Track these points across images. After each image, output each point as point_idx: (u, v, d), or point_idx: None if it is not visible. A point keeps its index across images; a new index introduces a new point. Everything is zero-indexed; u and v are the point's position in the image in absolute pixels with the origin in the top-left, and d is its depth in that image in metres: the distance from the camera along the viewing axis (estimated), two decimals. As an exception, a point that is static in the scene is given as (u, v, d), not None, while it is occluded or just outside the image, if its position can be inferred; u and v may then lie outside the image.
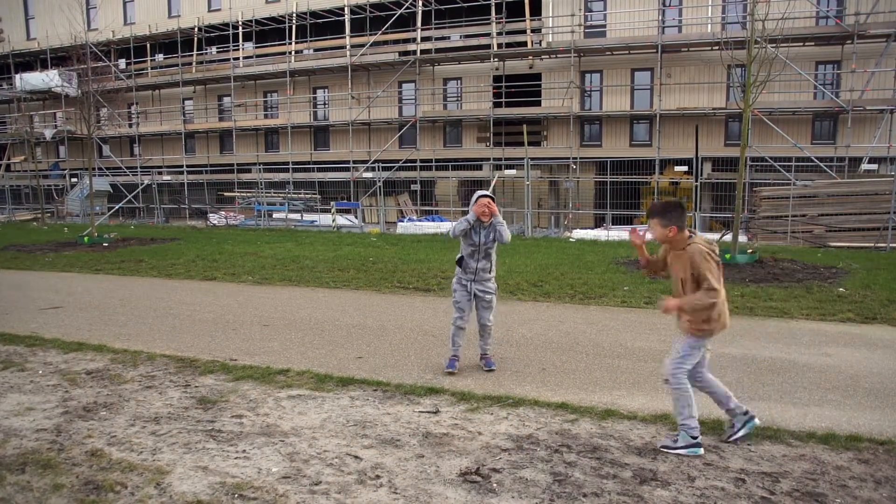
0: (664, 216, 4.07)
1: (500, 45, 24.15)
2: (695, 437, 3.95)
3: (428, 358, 6.09)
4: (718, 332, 4.05)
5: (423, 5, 25.00)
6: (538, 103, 23.90)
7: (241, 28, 27.95)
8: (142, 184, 28.30)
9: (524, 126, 21.33)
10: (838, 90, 20.63)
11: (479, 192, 5.59)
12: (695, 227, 17.46)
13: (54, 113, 32.12)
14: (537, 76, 24.26)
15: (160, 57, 31.14)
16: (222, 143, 30.24)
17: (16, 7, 34.33)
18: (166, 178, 28.96)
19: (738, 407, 4.16)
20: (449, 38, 25.80)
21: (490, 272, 5.64)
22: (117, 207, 27.85)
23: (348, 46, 26.19)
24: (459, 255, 5.65)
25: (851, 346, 6.46)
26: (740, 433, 4.10)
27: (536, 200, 22.49)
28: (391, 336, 6.98)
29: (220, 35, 29.01)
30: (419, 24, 25.16)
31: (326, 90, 27.92)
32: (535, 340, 6.72)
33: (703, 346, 4.07)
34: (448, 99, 26.43)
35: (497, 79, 24.27)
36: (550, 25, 23.72)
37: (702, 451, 3.93)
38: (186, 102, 30.50)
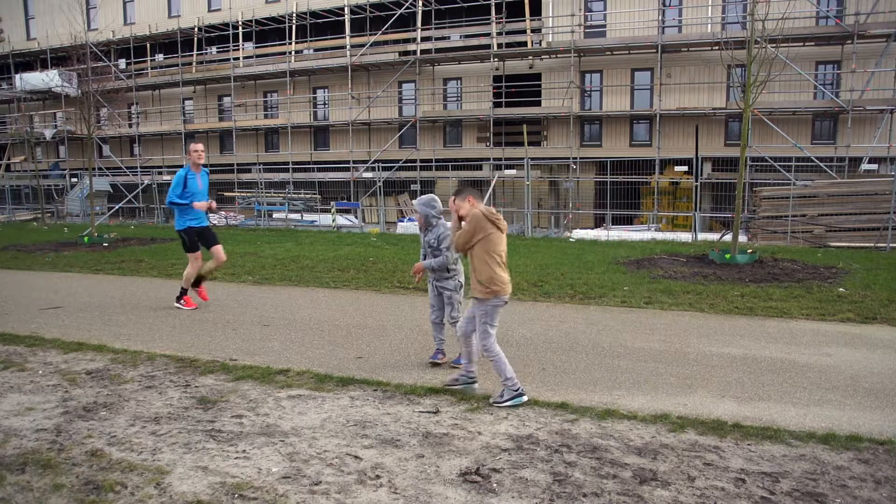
0: (459, 194, 5.01)
1: (500, 45, 24.16)
2: (516, 389, 4.72)
3: (428, 358, 6.08)
4: (506, 295, 4.83)
5: (423, 5, 25.00)
6: (538, 103, 23.90)
7: (241, 28, 27.96)
8: (142, 184, 28.30)
9: (524, 126, 21.34)
10: (838, 90, 20.64)
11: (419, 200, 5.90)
12: (695, 227, 17.50)
13: (54, 113, 32.14)
14: (537, 76, 24.26)
15: (160, 57, 31.15)
16: (222, 143, 30.24)
17: (16, 7, 34.35)
18: (166, 178, 28.95)
19: (470, 373, 5.10)
20: (449, 38, 25.81)
21: (448, 272, 5.84)
22: (117, 207, 27.85)
23: (348, 46, 26.20)
24: (423, 253, 6.00)
25: (851, 346, 6.46)
26: (506, 402, 4.75)
27: (536, 200, 22.49)
28: (391, 336, 6.98)
29: (220, 35, 29.02)
30: (419, 24, 25.17)
31: (326, 90, 27.93)
32: (535, 340, 6.72)
33: (496, 309, 4.82)
34: (448, 99, 26.43)
35: (497, 79, 24.27)
36: (550, 25, 23.73)
37: (525, 398, 4.75)
38: (186, 102, 30.52)
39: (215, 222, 24.48)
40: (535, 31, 24.18)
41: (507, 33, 24.46)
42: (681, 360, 5.98)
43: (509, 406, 4.68)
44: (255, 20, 27.69)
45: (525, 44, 23.87)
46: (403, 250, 14.56)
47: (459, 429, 4.34)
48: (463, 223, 4.94)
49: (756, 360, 5.94)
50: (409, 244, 15.93)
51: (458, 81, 25.99)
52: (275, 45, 28.05)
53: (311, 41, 27.51)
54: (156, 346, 6.57)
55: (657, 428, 4.34)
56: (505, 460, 3.85)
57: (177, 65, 29.50)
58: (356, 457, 3.92)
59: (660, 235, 17.48)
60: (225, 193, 27.37)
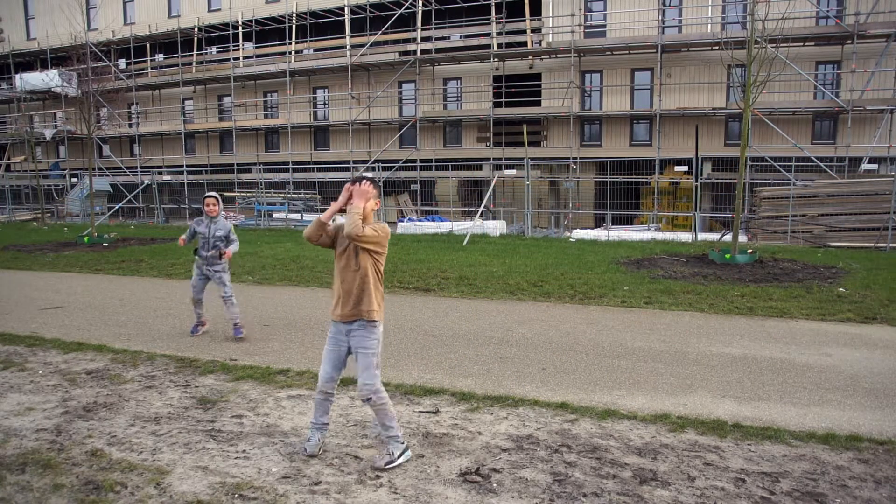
0: (376, 185, 3.92)
1: (500, 45, 24.15)
2: (403, 443, 3.86)
3: (428, 358, 6.08)
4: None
5: (423, 5, 25.00)
6: (538, 103, 23.90)
7: (241, 28, 27.95)
8: (142, 184, 28.30)
9: (524, 126, 21.33)
10: (838, 90, 20.63)
11: (209, 194, 7.32)
12: (695, 227, 17.50)
13: (54, 113, 32.12)
14: (537, 76, 24.26)
15: (160, 57, 31.14)
16: (222, 143, 30.24)
17: (16, 7, 34.33)
18: (166, 178, 28.96)
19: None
20: (449, 38, 25.80)
21: (221, 259, 7.18)
22: (117, 207, 27.84)
23: (348, 46, 26.19)
24: (195, 248, 7.28)
25: (851, 346, 6.46)
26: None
27: (536, 200, 22.48)
28: (391, 336, 6.98)
29: (220, 35, 29.01)
30: (419, 24, 25.16)
31: (326, 90, 27.92)
32: (535, 340, 6.72)
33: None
34: (448, 99, 26.42)
35: (497, 79, 24.27)
36: (550, 25, 23.72)
37: (410, 452, 3.89)
38: (186, 102, 30.51)
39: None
40: (535, 31, 24.17)
41: (507, 33, 24.45)
42: (681, 360, 5.98)
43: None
44: (255, 20, 27.69)
45: (525, 44, 23.87)
46: (403, 250, 14.56)
47: (459, 429, 4.34)
48: (350, 207, 3.74)
49: (756, 360, 5.94)
50: (409, 244, 15.93)
51: (458, 81, 25.98)
52: (275, 45, 28.04)
53: (311, 41, 27.51)
54: (156, 346, 6.57)
55: (657, 428, 4.34)
56: (505, 460, 3.84)
57: (177, 65, 29.49)
58: (356, 457, 3.92)
59: (660, 235, 17.48)
60: (225, 193, 27.34)
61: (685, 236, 17.12)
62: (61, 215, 28.35)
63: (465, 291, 9.56)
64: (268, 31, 28.20)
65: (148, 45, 30.62)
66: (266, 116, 29.11)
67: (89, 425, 4.43)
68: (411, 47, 25.50)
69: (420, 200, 25.00)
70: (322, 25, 27.68)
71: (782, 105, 20.23)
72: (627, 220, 20.90)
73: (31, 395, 5.10)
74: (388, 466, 3.75)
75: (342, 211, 3.81)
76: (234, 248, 7.27)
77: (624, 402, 4.86)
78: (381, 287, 3.93)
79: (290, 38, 27.23)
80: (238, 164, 28.21)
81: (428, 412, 4.65)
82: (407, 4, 24.74)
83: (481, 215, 19.26)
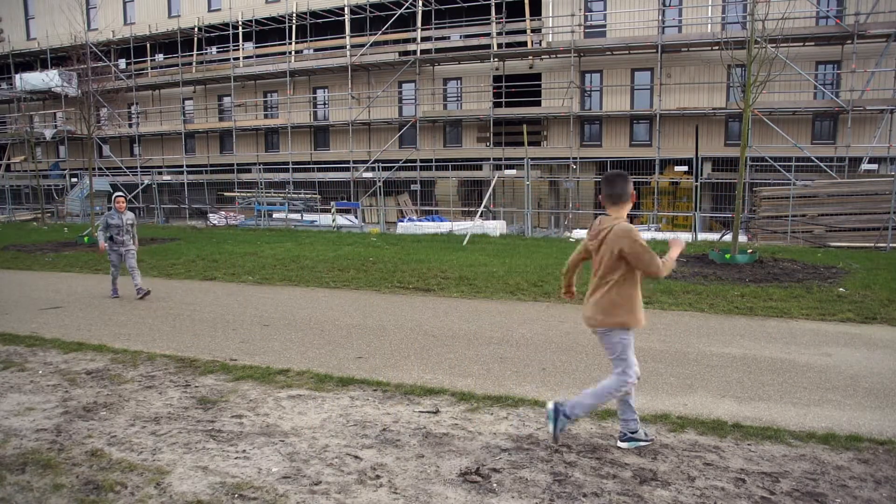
0: (604, 184, 4.01)
1: (500, 45, 24.16)
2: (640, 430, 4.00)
3: (428, 358, 6.09)
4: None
5: (423, 5, 25.00)
6: (538, 103, 23.90)
7: (241, 28, 27.96)
8: (142, 184, 28.30)
9: (524, 126, 21.33)
10: (838, 90, 20.64)
11: (117, 193, 10.01)
12: (695, 227, 17.50)
13: (54, 113, 32.13)
14: (537, 76, 24.26)
15: (160, 57, 31.14)
16: (222, 143, 30.24)
17: (16, 7, 34.33)
18: (166, 178, 28.97)
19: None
20: (449, 38, 25.80)
21: (132, 241, 9.72)
22: (117, 207, 27.79)
23: (348, 46, 26.19)
24: (109, 235, 9.55)
25: (851, 346, 6.46)
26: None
27: (536, 200, 22.49)
28: (391, 336, 6.98)
29: (220, 35, 29.01)
30: (419, 24, 25.16)
31: (326, 90, 27.93)
32: (535, 340, 6.72)
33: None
34: (448, 99, 26.43)
35: (497, 79, 24.27)
36: (550, 25, 23.72)
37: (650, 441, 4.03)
38: (186, 102, 30.51)
39: (216, 223, 24.49)
40: (535, 31, 24.18)
41: (507, 33, 24.46)
42: (681, 360, 5.98)
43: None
44: (255, 20, 27.69)
45: (525, 44, 23.87)
46: (403, 250, 14.55)
47: (459, 429, 4.34)
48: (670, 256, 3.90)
49: (756, 360, 5.94)
50: (409, 244, 15.93)
51: (458, 81, 25.99)
52: (275, 45, 28.05)
53: (311, 41, 27.51)
54: (156, 346, 6.57)
55: (657, 428, 4.34)
56: (505, 460, 3.84)
57: (177, 65, 29.49)
58: (356, 457, 3.92)
59: (660, 235, 17.48)
60: (225, 193, 27.37)
61: (685, 236, 17.12)
62: (61, 215, 28.35)
63: (465, 291, 9.56)
64: (268, 31, 28.20)
65: (148, 45, 30.63)
66: (266, 116, 29.12)
67: (89, 425, 4.43)
68: (411, 47, 25.51)
69: (420, 200, 25.00)
70: (322, 25, 27.68)
71: (782, 105, 20.23)
72: (627, 220, 20.88)
73: (31, 395, 5.10)
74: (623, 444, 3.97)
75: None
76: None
77: (624, 402, 4.86)
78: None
79: (290, 38, 27.23)
80: (238, 164, 28.22)
81: (428, 412, 4.65)
82: (407, 4, 24.74)
83: (481, 215, 19.26)
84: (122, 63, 30.83)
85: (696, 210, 18.14)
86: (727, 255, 11.78)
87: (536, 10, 24.11)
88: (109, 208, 9.93)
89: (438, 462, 3.83)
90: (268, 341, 6.80)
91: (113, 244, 9.56)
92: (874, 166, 19.71)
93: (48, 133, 31.25)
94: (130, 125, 31.02)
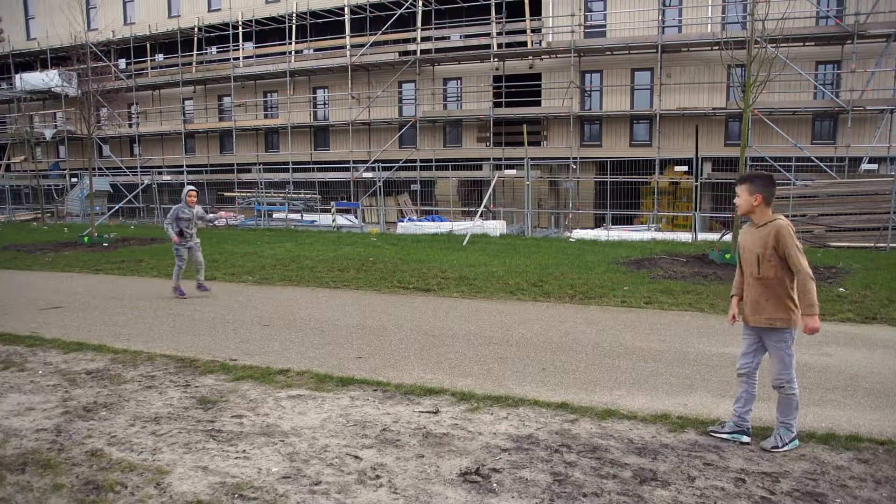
0: (753, 182, 4.06)
1: (500, 45, 24.16)
2: (794, 432, 4.03)
3: (428, 358, 6.09)
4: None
5: (423, 5, 25.00)
6: (538, 103, 23.90)
7: (241, 28, 27.96)
8: (142, 184, 28.30)
9: (524, 126, 21.33)
10: (838, 90, 20.64)
11: (189, 187, 9.70)
12: (695, 227, 17.50)
13: (54, 113, 32.13)
14: (537, 76, 24.26)
15: (160, 57, 31.15)
16: (222, 143, 30.24)
17: (16, 7, 34.34)
18: (166, 178, 28.97)
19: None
20: (449, 38, 25.81)
21: (197, 235, 9.73)
22: (117, 207, 27.85)
23: (348, 46, 26.19)
24: (179, 229, 9.43)
25: (851, 346, 6.46)
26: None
27: (536, 200, 22.49)
28: (391, 336, 6.98)
29: (220, 35, 29.02)
30: (419, 24, 25.16)
31: (326, 90, 27.93)
32: (535, 340, 6.72)
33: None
34: (448, 99, 26.43)
35: (497, 79, 24.27)
36: (550, 25, 23.73)
37: (798, 442, 4.04)
38: (186, 102, 30.51)
39: (217, 223, 24.49)
40: (535, 31, 24.18)
41: (507, 33, 24.46)
42: (681, 360, 5.98)
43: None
44: (255, 20, 27.69)
45: (525, 44, 23.87)
46: (403, 250, 14.56)
47: (459, 429, 4.34)
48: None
49: (756, 360, 5.93)
50: (409, 244, 15.93)
51: (458, 81, 25.99)
52: (275, 45, 28.05)
53: (311, 41, 27.51)
54: (156, 346, 6.57)
55: (657, 428, 4.34)
56: (505, 460, 3.84)
57: (177, 65, 29.49)
58: (356, 457, 3.92)
59: (660, 235, 17.48)
60: (225, 193, 27.38)
61: (685, 236, 17.12)
62: (61, 215, 28.36)
63: (465, 291, 9.56)
64: (268, 31, 28.20)
65: (148, 45, 30.63)
66: (266, 116, 29.12)
67: (89, 425, 4.43)
68: (411, 47, 25.51)
69: (420, 200, 25.00)
70: (322, 25, 27.68)
71: (782, 105, 20.23)
72: (627, 220, 20.90)
73: (31, 395, 5.10)
74: (772, 449, 3.94)
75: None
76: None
77: (624, 402, 4.86)
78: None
79: (290, 38, 27.23)
80: (238, 164, 28.22)
81: (428, 412, 4.65)
82: (407, 4, 24.75)
83: (481, 215, 19.26)
84: (122, 63, 30.84)
85: (696, 210, 18.14)
86: (727, 255, 11.78)
87: (536, 10, 24.11)
88: (178, 201, 9.77)
89: (438, 462, 3.83)
90: (268, 341, 6.80)
91: (182, 238, 9.45)
92: (874, 166, 19.70)
93: (48, 133, 31.25)
94: (130, 125, 31.02)
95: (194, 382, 5.37)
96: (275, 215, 24.01)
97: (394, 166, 24.74)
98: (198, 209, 9.76)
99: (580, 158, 22.52)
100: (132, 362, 5.98)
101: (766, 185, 4.05)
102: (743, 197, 4.07)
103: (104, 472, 3.70)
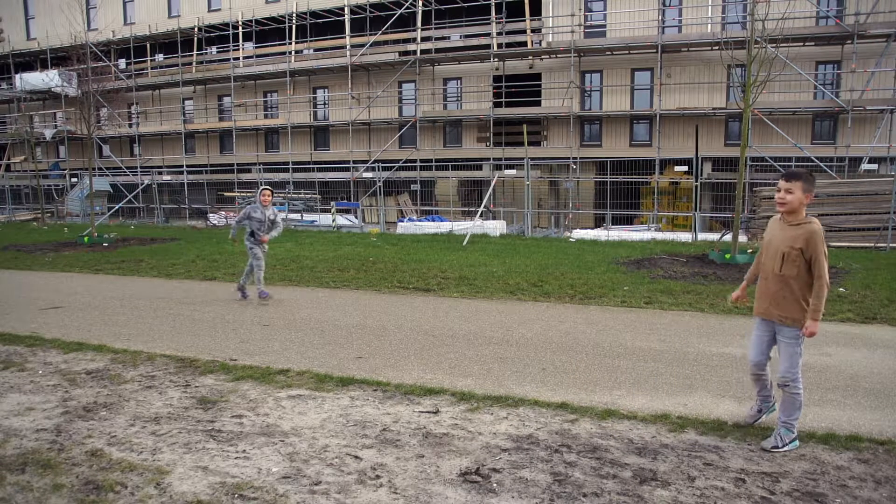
0: (805, 181, 4.02)
1: (500, 45, 24.16)
2: (795, 433, 4.05)
3: (428, 358, 6.09)
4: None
5: (423, 5, 25.00)
6: (538, 103, 23.90)
7: (241, 28, 27.96)
8: (142, 184, 28.31)
9: (524, 126, 21.33)
10: (838, 90, 20.64)
11: (264, 186, 9.10)
12: (695, 227, 17.50)
13: (54, 113, 32.13)
14: (537, 76, 24.26)
15: (160, 57, 31.15)
16: (222, 143, 30.24)
17: (16, 7, 34.34)
18: (166, 178, 28.97)
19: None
20: (449, 38, 25.81)
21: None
22: (117, 207, 27.86)
23: (348, 46, 26.20)
24: (250, 230, 8.99)
25: (851, 346, 6.46)
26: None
27: (536, 200, 22.49)
28: (391, 336, 6.98)
29: (220, 35, 29.02)
30: (419, 24, 25.16)
31: (326, 90, 27.93)
32: (535, 340, 6.72)
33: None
34: (448, 99, 26.43)
35: (497, 79, 24.27)
36: (550, 25, 23.73)
37: (798, 443, 4.06)
38: (186, 102, 30.51)
39: (217, 223, 24.49)
40: (535, 31, 24.18)
41: (507, 33, 24.46)
42: (681, 360, 5.98)
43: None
44: (255, 20, 27.69)
45: (525, 44, 23.87)
46: (403, 250, 14.55)
47: (459, 429, 4.34)
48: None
49: (756, 360, 5.93)
50: (409, 244, 15.93)
51: (458, 81, 25.99)
52: (275, 45, 28.05)
53: (311, 41, 27.51)
54: (156, 346, 6.57)
55: (657, 428, 4.34)
56: (505, 460, 3.84)
57: (177, 65, 29.49)
58: (356, 457, 3.92)
59: (660, 235, 17.48)
60: (225, 193, 27.38)
61: (685, 236, 17.12)
62: (61, 215, 28.35)
63: (465, 291, 9.56)
64: (268, 31, 28.21)
65: (148, 45, 30.63)
66: (266, 116, 29.12)
67: (89, 425, 4.43)
68: (411, 47, 25.51)
69: (420, 200, 25.00)
70: (322, 25, 27.68)
71: (782, 105, 20.23)
72: (627, 220, 20.90)
73: (31, 395, 5.10)
74: (772, 449, 3.95)
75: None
76: (276, 233, 9.23)
77: (624, 402, 4.86)
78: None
79: (290, 38, 27.23)
80: (238, 164, 28.22)
81: (428, 412, 4.65)
82: (407, 4, 24.75)
83: (481, 215, 19.26)
84: (122, 63, 30.83)
85: (695, 210, 18.14)
86: (727, 255, 11.78)
87: (536, 10, 24.11)
88: (251, 202, 8.88)
89: (438, 462, 3.83)
90: (268, 341, 6.80)
91: (253, 240, 8.96)
92: (874, 166, 19.71)
93: (48, 133, 31.25)
94: (130, 125, 31.02)
95: (194, 382, 5.37)
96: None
97: (394, 166, 24.74)
98: (271, 210, 8.93)
99: (580, 158, 22.52)
100: (132, 362, 5.98)
101: (813, 185, 4.07)
102: (797, 195, 4.00)
103: (104, 472, 3.70)
